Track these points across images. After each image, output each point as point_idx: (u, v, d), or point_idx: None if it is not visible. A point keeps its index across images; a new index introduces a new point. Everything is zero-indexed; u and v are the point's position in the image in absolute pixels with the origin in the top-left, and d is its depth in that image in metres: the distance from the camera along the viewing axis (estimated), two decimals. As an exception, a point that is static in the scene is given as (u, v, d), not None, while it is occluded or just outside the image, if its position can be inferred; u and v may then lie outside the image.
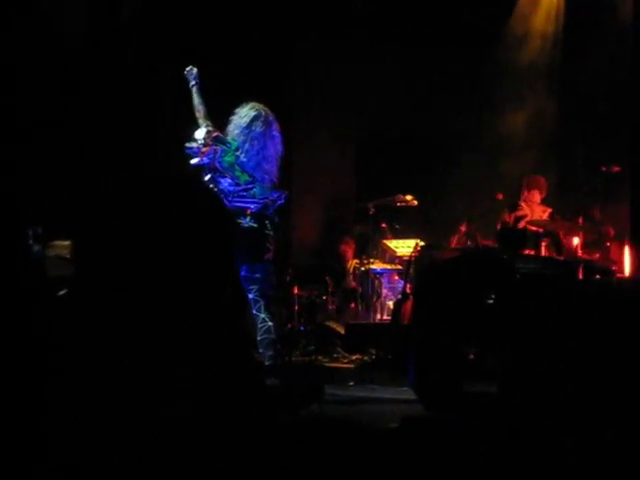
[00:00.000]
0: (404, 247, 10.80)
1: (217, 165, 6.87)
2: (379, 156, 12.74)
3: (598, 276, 8.28)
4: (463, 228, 10.52)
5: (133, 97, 9.57)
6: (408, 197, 10.44)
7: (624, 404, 5.08)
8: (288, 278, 11.07)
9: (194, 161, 6.88)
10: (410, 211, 10.93)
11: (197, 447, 4.30)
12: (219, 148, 6.90)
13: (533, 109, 12.04)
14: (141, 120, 9.57)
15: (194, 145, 6.91)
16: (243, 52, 11.30)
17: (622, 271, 9.13)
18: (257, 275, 6.76)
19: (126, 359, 4.98)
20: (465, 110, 12.20)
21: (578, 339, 5.33)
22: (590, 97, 11.25)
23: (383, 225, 11.25)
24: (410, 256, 10.09)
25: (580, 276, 7.81)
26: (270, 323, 6.73)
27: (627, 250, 9.29)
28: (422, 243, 10.32)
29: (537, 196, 10.21)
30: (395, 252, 11.04)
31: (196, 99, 7.15)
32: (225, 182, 6.86)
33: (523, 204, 10.05)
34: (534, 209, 10.06)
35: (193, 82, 7.18)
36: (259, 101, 7.24)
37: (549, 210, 10.14)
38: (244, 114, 7.03)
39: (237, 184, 6.83)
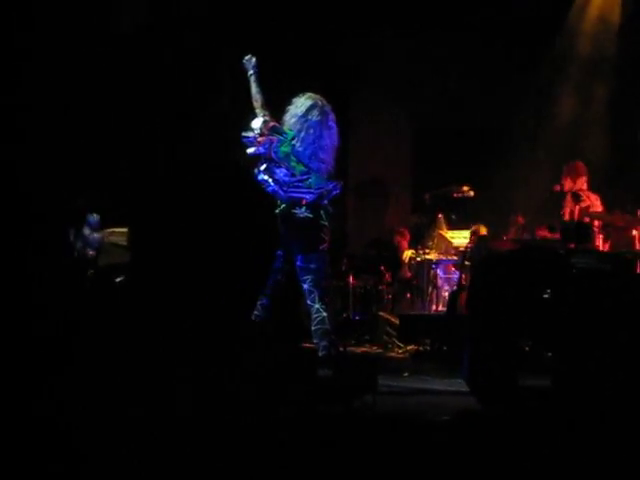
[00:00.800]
0: (460, 238, 10.75)
1: (273, 155, 6.86)
2: (437, 146, 12.69)
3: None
4: (520, 220, 10.43)
5: (191, 84, 9.60)
6: (465, 188, 10.38)
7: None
8: (343, 268, 11.07)
9: (250, 150, 6.87)
10: (467, 202, 10.86)
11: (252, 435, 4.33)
12: (275, 138, 6.89)
13: (592, 99, 11.92)
14: (198, 108, 9.60)
15: (250, 134, 6.90)
16: (302, 41, 11.29)
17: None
18: (312, 265, 6.74)
19: (179, 345, 5.03)
20: (523, 101, 12.12)
21: (633, 334, 5.27)
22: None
23: (439, 215, 11.20)
24: (466, 247, 10.05)
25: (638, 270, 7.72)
26: (324, 314, 6.71)
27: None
28: (483, 231, 10.32)
29: (585, 183, 10.09)
30: (451, 243, 10.99)
31: (254, 88, 7.13)
32: (281, 172, 6.85)
33: (583, 194, 9.92)
34: (592, 200, 9.94)
35: (251, 71, 7.16)
36: (317, 89, 7.21)
37: (599, 199, 10.02)
38: (301, 104, 7.01)
39: (292, 174, 6.81)
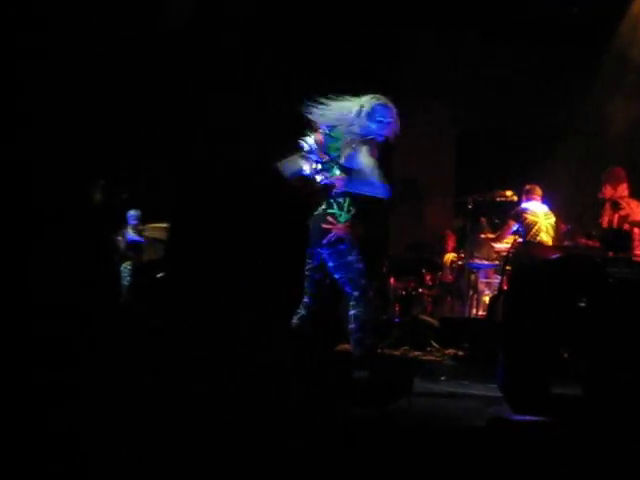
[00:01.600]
0: (502, 242, 10.72)
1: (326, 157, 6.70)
2: (481, 149, 12.68)
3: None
4: (562, 226, 10.39)
5: (231, 82, 9.65)
6: (508, 193, 10.36)
7: None
8: (384, 269, 11.10)
9: (306, 170, 6.68)
10: (510, 206, 10.84)
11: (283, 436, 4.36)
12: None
13: (635, 105, 11.85)
14: (239, 107, 9.65)
15: (312, 155, 6.71)
16: (348, 37, 11.31)
17: None
18: (330, 264, 6.53)
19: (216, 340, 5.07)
20: (566, 105, 12.09)
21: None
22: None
23: (482, 220, 11.18)
24: (508, 252, 10.03)
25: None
26: (358, 313, 6.62)
27: None
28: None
29: (626, 190, 10.01)
30: (493, 247, 10.97)
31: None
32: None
33: (622, 202, 9.85)
34: (632, 207, 9.87)
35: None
36: (358, 91, 7.04)
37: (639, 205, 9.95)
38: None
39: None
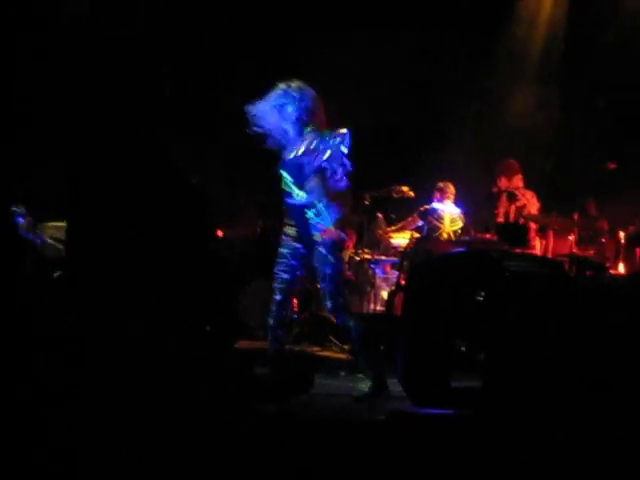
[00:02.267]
0: (399, 238, 10.78)
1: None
2: (378, 145, 12.73)
3: (590, 273, 8.29)
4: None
5: (126, 77, 9.52)
6: (405, 188, 10.40)
7: (612, 399, 5.11)
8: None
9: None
10: (406, 201, 10.90)
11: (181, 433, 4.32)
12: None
13: (533, 100, 12.03)
14: (137, 102, 9.53)
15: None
16: (242, 40, 11.30)
17: (616, 268, 9.15)
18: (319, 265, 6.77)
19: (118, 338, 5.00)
20: (466, 98, 12.22)
21: (566, 336, 5.34)
22: (592, 91, 11.25)
23: (379, 215, 11.23)
24: (405, 248, 10.10)
25: (573, 273, 7.83)
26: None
27: (621, 246, 9.32)
28: (417, 235, 10.34)
29: (520, 181, 10.21)
30: (390, 243, 11.02)
31: None
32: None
33: (518, 193, 10.03)
34: (527, 198, 10.05)
35: None
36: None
37: (535, 196, 10.13)
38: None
39: None
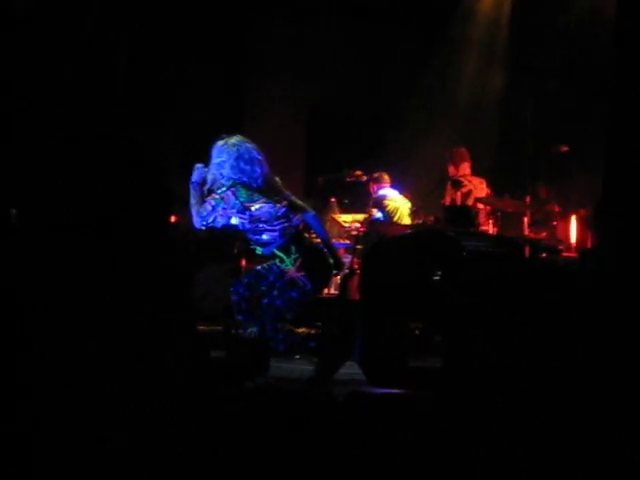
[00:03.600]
0: (352, 222, 10.79)
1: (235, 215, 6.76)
2: (330, 129, 12.75)
3: (544, 255, 8.35)
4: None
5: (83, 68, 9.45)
6: (357, 172, 10.42)
7: (567, 378, 5.15)
8: (236, 251, 11.03)
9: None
10: (359, 186, 10.92)
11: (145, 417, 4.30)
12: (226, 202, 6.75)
13: (483, 85, 12.09)
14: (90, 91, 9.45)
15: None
16: (198, 24, 11.26)
17: (568, 250, 9.22)
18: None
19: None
20: (416, 85, 12.26)
21: (522, 316, 5.38)
22: (542, 74, 11.31)
23: (332, 199, 11.23)
24: (358, 231, 10.12)
25: (526, 255, 7.87)
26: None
27: (573, 225, 9.39)
28: (371, 217, 10.36)
29: (468, 168, 10.28)
30: (343, 226, 11.03)
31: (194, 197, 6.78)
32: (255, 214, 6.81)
33: (464, 180, 10.09)
34: (475, 184, 10.11)
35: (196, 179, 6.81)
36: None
37: (484, 182, 10.20)
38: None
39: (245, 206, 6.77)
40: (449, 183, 10.22)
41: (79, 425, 4.09)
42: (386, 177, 10.79)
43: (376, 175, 10.73)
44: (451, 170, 10.31)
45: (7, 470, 3.77)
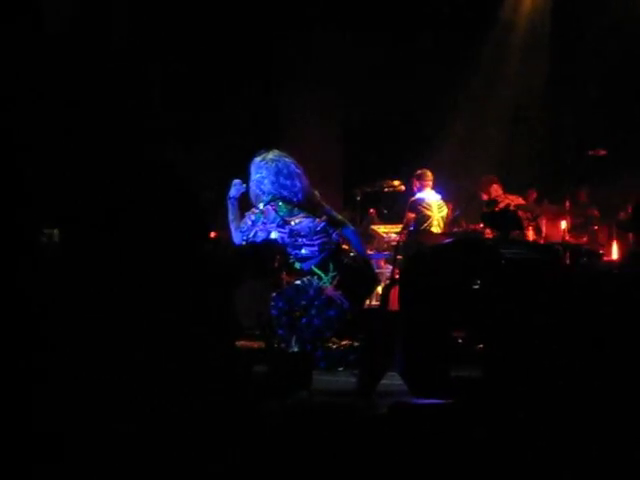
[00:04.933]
0: (392, 232, 10.79)
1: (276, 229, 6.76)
2: (367, 141, 12.77)
3: (585, 260, 8.30)
4: (449, 213, 10.53)
5: (118, 85, 9.52)
6: (395, 182, 10.42)
7: (611, 387, 5.11)
8: (276, 264, 11.05)
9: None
10: (398, 196, 10.92)
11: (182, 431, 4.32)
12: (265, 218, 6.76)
13: (523, 92, 12.07)
14: (125, 108, 9.52)
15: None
16: (228, 41, 11.32)
17: (609, 254, 9.17)
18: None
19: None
20: (455, 96, 12.26)
21: (564, 323, 5.35)
22: (582, 81, 11.28)
23: (371, 211, 11.24)
24: (397, 241, 10.10)
25: (567, 260, 7.83)
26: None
27: (614, 233, 9.34)
28: (409, 226, 10.34)
29: (499, 189, 10.25)
30: (383, 237, 11.03)
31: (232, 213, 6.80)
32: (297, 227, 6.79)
33: (498, 199, 10.04)
34: (510, 198, 10.07)
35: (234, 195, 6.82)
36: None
37: (520, 198, 10.16)
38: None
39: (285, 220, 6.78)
40: (485, 208, 10.16)
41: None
42: (429, 174, 10.61)
43: (419, 172, 10.62)
44: (483, 197, 10.35)
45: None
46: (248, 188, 6.80)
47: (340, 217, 6.98)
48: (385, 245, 10.93)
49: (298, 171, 6.78)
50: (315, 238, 6.70)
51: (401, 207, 11.00)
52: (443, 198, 10.62)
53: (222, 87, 11.40)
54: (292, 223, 6.66)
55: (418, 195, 10.51)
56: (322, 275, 6.68)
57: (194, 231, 6.73)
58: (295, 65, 12.82)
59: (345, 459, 4.25)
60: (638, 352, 5.27)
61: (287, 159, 6.80)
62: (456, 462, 4.16)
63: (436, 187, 10.64)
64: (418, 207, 10.38)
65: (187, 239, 6.55)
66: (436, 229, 10.27)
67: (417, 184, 10.58)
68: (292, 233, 6.68)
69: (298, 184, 6.73)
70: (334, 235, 6.77)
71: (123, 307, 5.56)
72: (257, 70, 11.94)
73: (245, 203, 6.86)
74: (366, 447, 4.42)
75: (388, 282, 9.75)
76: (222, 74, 11.34)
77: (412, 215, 10.40)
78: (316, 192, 6.97)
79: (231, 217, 6.75)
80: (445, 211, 10.48)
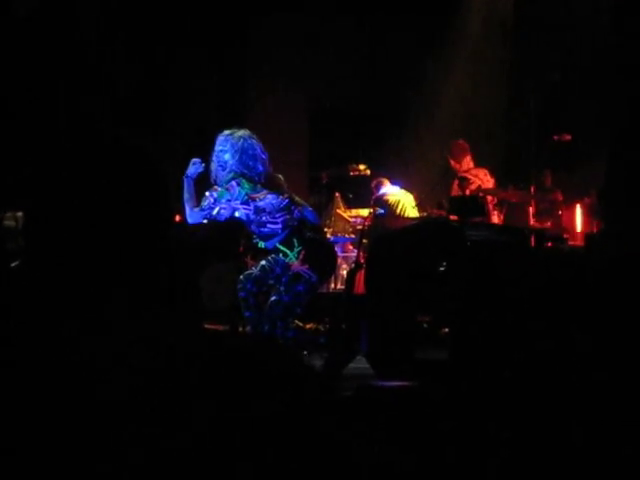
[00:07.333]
0: (357, 216, 10.78)
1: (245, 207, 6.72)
2: (333, 125, 12.75)
3: (550, 244, 8.33)
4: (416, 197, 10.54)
5: (83, 68, 9.46)
6: (361, 166, 10.43)
7: (573, 369, 5.14)
8: (241, 249, 11.03)
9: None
10: (363, 180, 10.92)
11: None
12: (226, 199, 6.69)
13: (485, 78, 12.08)
14: (90, 91, 9.47)
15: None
16: (199, 24, 11.29)
17: (574, 239, 9.21)
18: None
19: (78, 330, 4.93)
20: (418, 79, 12.26)
21: (529, 305, 5.37)
22: (544, 66, 11.30)
23: (336, 194, 11.23)
24: (363, 225, 10.10)
25: (532, 244, 7.86)
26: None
27: (578, 214, 9.38)
28: (376, 212, 10.34)
29: (471, 162, 10.23)
30: (349, 221, 11.03)
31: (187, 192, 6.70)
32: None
33: (470, 176, 10.04)
34: (481, 177, 10.07)
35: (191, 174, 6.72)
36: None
37: (488, 172, 10.16)
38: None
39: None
40: (456, 182, 10.17)
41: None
42: (385, 180, 10.71)
43: (375, 182, 10.66)
44: (453, 164, 10.29)
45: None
46: (208, 167, 6.75)
47: (302, 201, 7.00)
48: (351, 229, 10.93)
49: (263, 157, 6.75)
50: (278, 215, 6.70)
51: (366, 192, 11.00)
52: (402, 188, 10.66)
53: (187, 72, 11.35)
54: (257, 199, 6.65)
55: (379, 192, 10.54)
56: (287, 252, 6.68)
57: (160, 215, 6.68)
58: (261, 49, 12.78)
59: (310, 440, 4.24)
60: (603, 334, 5.30)
61: (255, 141, 6.76)
62: (421, 442, 4.16)
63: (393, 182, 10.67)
64: (383, 199, 10.38)
65: (153, 223, 6.49)
66: (412, 212, 10.28)
67: (374, 191, 10.60)
68: (257, 210, 6.67)
69: (260, 168, 6.70)
70: (296, 212, 6.77)
71: (84, 292, 5.52)
72: (223, 55, 11.89)
73: (201, 184, 6.80)
74: (330, 430, 4.41)
75: (353, 266, 9.76)
76: (187, 59, 11.29)
77: (376, 208, 10.42)
78: (280, 176, 6.96)
79: (186, 196, 6.66)
80: (411, 196, 10.49)
